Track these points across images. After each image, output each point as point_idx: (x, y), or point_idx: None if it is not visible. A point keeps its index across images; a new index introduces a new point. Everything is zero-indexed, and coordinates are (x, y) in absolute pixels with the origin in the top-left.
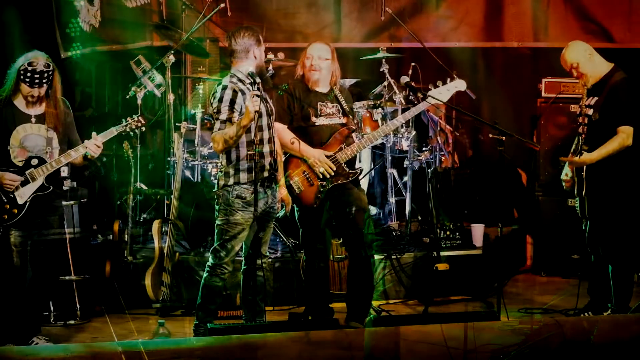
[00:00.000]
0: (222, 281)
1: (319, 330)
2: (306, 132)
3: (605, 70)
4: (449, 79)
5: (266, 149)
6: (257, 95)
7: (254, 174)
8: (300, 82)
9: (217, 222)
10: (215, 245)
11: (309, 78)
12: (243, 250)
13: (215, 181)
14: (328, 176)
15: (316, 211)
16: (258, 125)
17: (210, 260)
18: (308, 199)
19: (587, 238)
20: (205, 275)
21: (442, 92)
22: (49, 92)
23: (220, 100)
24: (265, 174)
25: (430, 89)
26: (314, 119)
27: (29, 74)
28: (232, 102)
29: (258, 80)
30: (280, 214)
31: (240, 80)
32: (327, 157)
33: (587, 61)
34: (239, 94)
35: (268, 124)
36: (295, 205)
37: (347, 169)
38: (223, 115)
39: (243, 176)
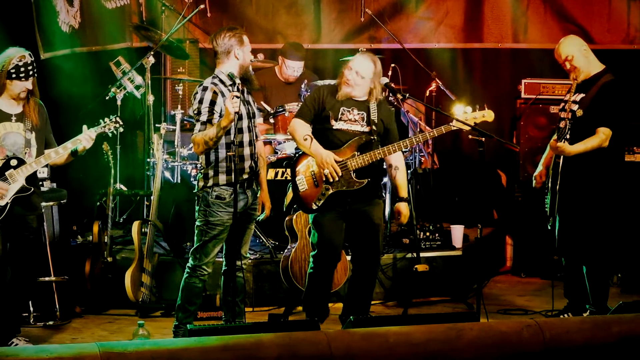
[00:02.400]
0: (201, 282)
1: (298, 331)
2: (323, 133)
3: (597, 69)
4: (477, 107)
5: (246, 151)
6: (237, 97)
7: (233, 176)
8: (333, 87)
9: (197, 223)
10: (195, 246)
11: (341, 89)
12: (224, 251)
13: (195, 182)
14: (331, 180)
15: (333, 217)
16: (238, 128)
17: (190, 261)
18: (308, 200)
19: (556, 240)
20: (185, 276)
21: (469, 120)
22: (31, 87)
23: (201, 101)
24: (245, 176)
25: (456, 111)
26: (332, 122)
27: (22, 69)
28: (212, 103)
29: (238, 81)
30: (260, 217)
31: (221, 81)
32: (338, 162)
33: (581, 56)
34: (219, 95)
35: (249, 126)
36: (295, 206)
37: (354, 178)
38: (203, 117)
39: (222, 178)
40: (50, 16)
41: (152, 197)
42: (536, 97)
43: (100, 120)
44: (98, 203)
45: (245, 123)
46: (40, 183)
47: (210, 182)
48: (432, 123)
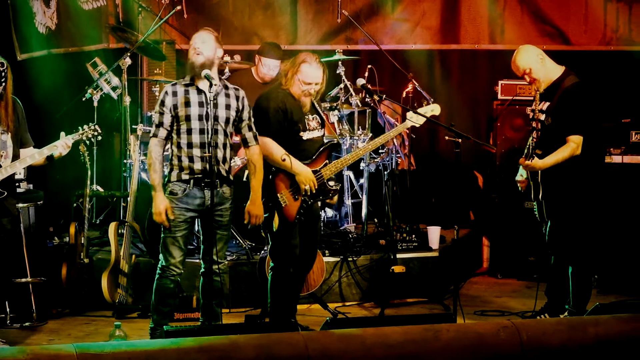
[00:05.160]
0: (173, 283)
1: (275, 332)
2: (295, 147)
3: (557, 74)
4: (424, 102)
5: (196, 152)
6: (212, 100)
7: (184, 174)
8: (289, 94)
9: None
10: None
11: (303, 103)
12: (201, 253)
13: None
14: (309, 193)
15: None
16: (187, 129)
17: (161, 261)
18: (290, 213)
19: (547, 239)
20: (156, 277)
21: (420, 117)
22: (1, 93)
23: (157, 101)
24: (197, 176)
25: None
26: (301, 133)
27: None
28: (162, 103)
29: (215, 82)
30: (249, 225)
31: (184, 81)
32: (313, 172)
33: (539, 66)
34: (170, 95)
35: (204, 128)
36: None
37: (329, 186)
38: (155, 119)
39: (173, 174)
40: (27, 17)
41: (128, 199)
42: (513, 99)
43: (79, 127)
44: (75, 204)
45: (196, 124)
46: (17, 184)
47: (166, 179)
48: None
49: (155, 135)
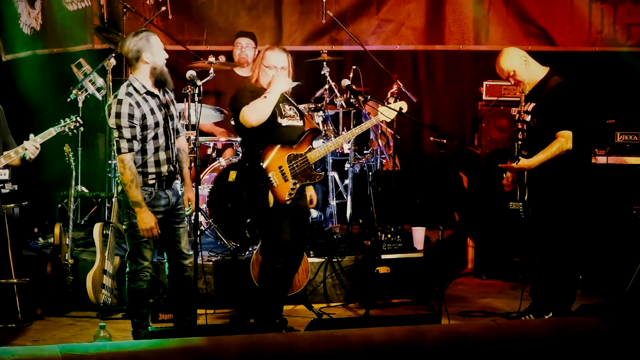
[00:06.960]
0: (146, 283)
1: (260, 333)
2: (272, 131)
3: (542, 75)
4: (392, 100)
5: (162, 156)
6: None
7: (151, 179)
8: (256, 88)
9: (124, 227)
10: (128, 250)
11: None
12: (166, 256)
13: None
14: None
15: (287, 208)
16: (164, 132)
17: (129, 267)
18: (282, 194)
19: (532, 240)
20: (127, 283)
21: (390, 111)
22: None
23: (118, 115)
24: (164, 177)
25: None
26: (279, 119)
27: None
28: (131, 116)
29: (199, 83)
30: (187, 212)
31: (136, 90)
32: (297, 156)
33: (523, 68)
34: (135, 107)
35: (165, 131)
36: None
37: (314, 171)
38: (126, 133)
39: (138, 180)
40: (12, 18)
41: (113, 199)
42: (497, 99)
43: (61, 120)
44: (59, 205)
45: (161, 129)
46: (2, 185)
47: None
48: (394, 125)
49: (130, 150)
